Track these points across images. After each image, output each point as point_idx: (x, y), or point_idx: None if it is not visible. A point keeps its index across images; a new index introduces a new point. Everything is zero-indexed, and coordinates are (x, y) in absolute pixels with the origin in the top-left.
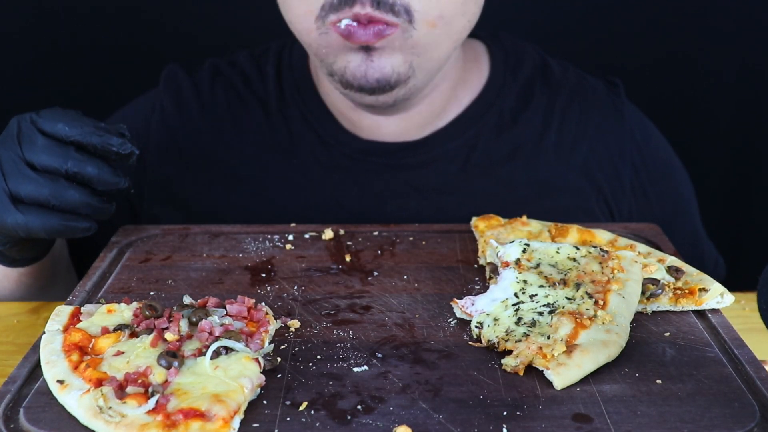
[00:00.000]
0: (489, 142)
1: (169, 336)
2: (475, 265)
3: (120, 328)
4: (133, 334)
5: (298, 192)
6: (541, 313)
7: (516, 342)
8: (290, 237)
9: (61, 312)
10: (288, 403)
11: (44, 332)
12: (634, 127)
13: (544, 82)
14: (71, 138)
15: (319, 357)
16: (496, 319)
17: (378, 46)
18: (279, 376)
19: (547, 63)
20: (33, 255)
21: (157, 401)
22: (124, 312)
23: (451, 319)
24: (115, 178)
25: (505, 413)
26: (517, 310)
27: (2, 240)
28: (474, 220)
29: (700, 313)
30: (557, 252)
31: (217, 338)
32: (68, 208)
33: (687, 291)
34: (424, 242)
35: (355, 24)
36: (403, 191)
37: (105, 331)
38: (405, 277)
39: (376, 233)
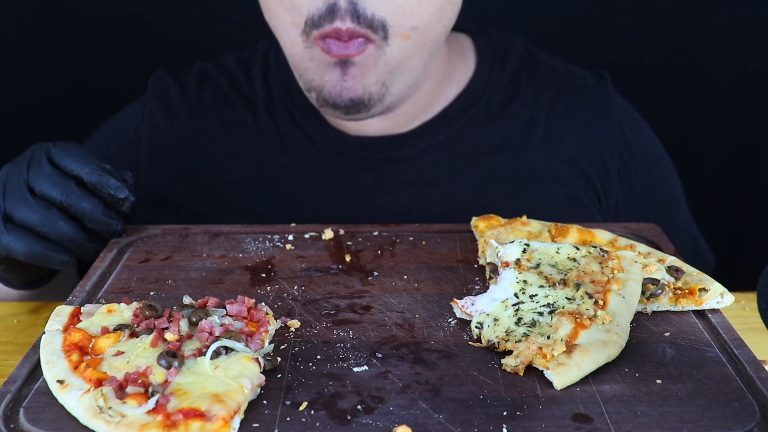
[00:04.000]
0: (477, 135)
1: (169, 336)
2: (475, 265)
3: (120, 328)
4: (133, 334)
5: (288, 190)
6: (541, 313)
7: (516, 342)
8: (290, 237)
9: (61, 312)
10: (288, 403)
11: (44, 332)
12: (621, 118)
13: (531, 74)
14: (74, 172)
15: (319, 357)
16: (496, 319)
17: (356, 60)
18: (279, 376)
19: (535, 56)
20: (30, 280)
21: (157, 401)
22: (124, 312)
23: (451, 319)
24: (107, 219)
25: (505, 413)
26: (517, 310)
27: None
28: (474, 220)
29: (700, 313)
30: (557, 252)
31: (217, 338)
32: (54, 237)
33: (687, 291)
34: (424, 242)
35: (334, 41)
36: (393, 184)
37: (105, 331)
38: (405, 277)
39: (376, 233)
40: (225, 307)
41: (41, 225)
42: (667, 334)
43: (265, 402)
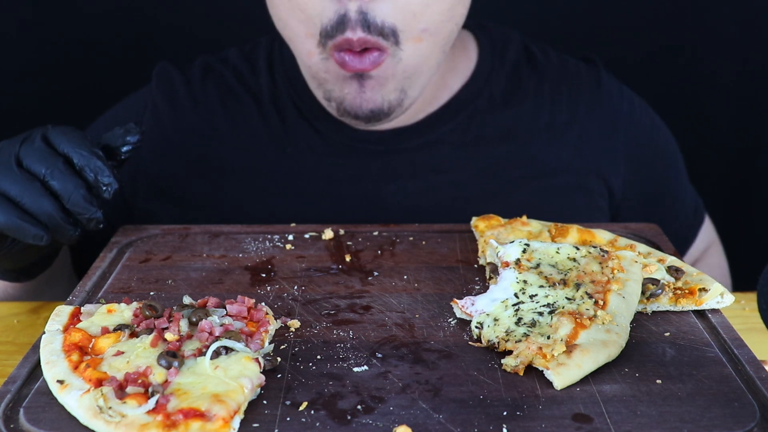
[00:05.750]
0: (482, 124)
1: (169, 336)
2: (475, 265)
3: (120, 328)
4: (133, 334)
5: (293, 179)
6: (541, 314)
7: (516, 342)
8: (290, 237)
9: (61, 312)
10: (288, 403)
11: (44, 332)
12: (621, 99)
13: (529, 66)
14: (64, 152)
15: (319, 357)
16: (496, 319)
17: (373, 74)
18: (279, 376)
19: (529, 47)
20: (11, 268)
21: (157, 401)
22: (124, 312)
23: (451, 319)
24: (86, 204)
25: (505, 413)
26: (517, 310)
27: None
28: (474, 220)
29: (700, 313)
30: (557, 252)
31: (217, 338)
32: (31, 211)
33: (687, 291)
34: (424, 242)
35: (348, 54)
36: (399, 173)
37: (105, 331)
38: (405, 277)
39: (376, 233)
40: (225, 307)
41: (20, 196)
42: (667, 334)
43: (265, 402)
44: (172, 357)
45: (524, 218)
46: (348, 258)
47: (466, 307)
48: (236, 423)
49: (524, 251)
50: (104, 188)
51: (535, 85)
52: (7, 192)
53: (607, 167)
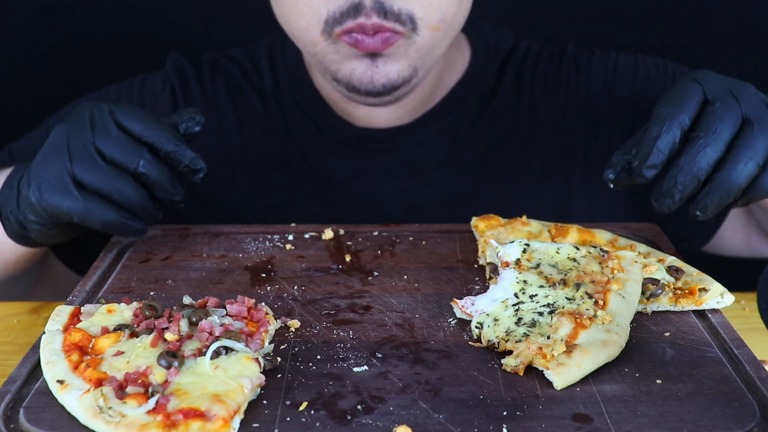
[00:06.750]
0: (475, 119)
1: (169, 336)
2: (475, 265)
3: (120, 328)
4: (133, 334)
5: (294, 175)
6: (541, 314)
7: (516, 342)
8: (290, 237)
9: (61, 312)
10: (288, 403)
11: (44, 332)
12: (599, 65)
13: (513, 57)
14: (146, 139)
15: (319, 357)
16: (496, 320)
17: (385, 53)
18: (279, 376)
19: (515, 42)
20: (57, 241)
21: (157, 401)
22: (124, 312)
23: (451, 319)
24: (173, 188)
25: (505, 413)
26: (517, 310)
27: (45, 221)
28: (474, 220)
29: (700, 313)
30: (557, 252)
31: (217, 338)
32: (127, 205)
33: (687, 291)
34: (424, 242)
35: (361, 34)
36: (398, 171)
37: (105, 331)
38: (405, 277)
39: (376, 233)
40: (225, 307)
41: (116, 192)
42: (667, 334)
43: (265, 402)
44: (172, 357)
45: (524, 218)
46: (348, 258)
47: (466, 307)
48: (236, 423)
49: (524, 251)
50: (196, 175)
51: (515, 71)
52: (101, 189)
53: (598, 129)
